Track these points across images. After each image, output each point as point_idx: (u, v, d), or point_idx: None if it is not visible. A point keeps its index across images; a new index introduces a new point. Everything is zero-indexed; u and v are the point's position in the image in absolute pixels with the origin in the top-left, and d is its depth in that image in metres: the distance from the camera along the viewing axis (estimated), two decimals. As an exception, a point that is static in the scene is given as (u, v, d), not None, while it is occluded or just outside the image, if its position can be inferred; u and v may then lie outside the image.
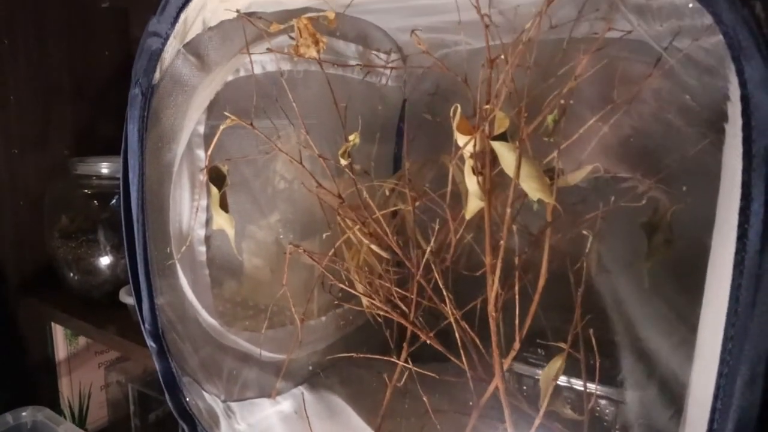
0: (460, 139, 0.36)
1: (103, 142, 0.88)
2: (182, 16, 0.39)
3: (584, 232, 0.38)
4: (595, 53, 0.40)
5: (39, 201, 0.80)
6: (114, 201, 0.75)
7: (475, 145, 0.35)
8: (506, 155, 0.32)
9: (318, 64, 0.42)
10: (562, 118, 0.38)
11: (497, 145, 0.33)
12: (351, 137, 0.40)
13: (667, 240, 0.46)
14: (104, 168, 0.74)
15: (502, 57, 0.41)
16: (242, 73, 0.47)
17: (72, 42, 0.86)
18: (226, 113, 0.39)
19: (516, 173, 0.32)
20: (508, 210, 0.34)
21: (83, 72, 0.88)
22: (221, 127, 0.39)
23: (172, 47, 0.40)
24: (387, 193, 0.50)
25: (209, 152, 0.40)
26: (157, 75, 0.40)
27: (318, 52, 0.40)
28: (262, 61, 0.48)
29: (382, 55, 0.60)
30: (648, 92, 0.43)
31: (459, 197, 0.46)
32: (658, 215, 0.46)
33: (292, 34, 0.43)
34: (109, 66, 0.91)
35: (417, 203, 0.48)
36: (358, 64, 0.50)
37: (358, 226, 0.48)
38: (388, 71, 0.60)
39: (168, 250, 0.43)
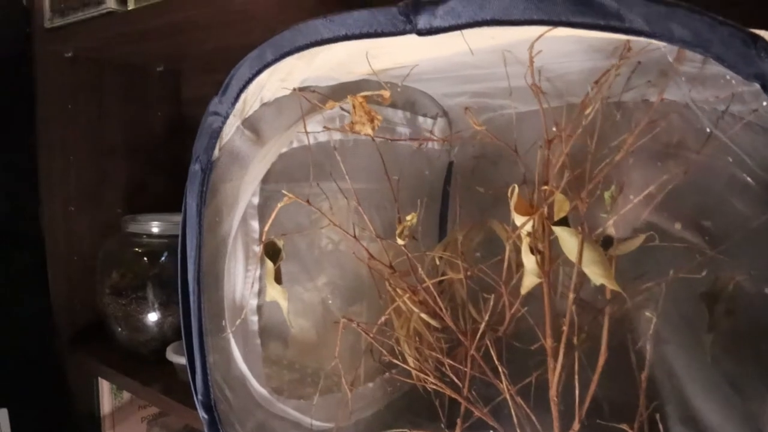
0: (518, 219, 0.36)
1: (154, 199, 0.91)
2: (242, 97, 0.40)
3: (647, 314, 0.37)
4: (646, 118, 0.40)
5: (92, 257, 0.82)
6: (163, 258, 0.76)
7: (533, 226, 0.35)
8: (568, 240, 0.32)
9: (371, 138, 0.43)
10: (620, 194, 0.38)
11: (558, 230, 0.33)
12: (408, 218, 0.41)
13: (730, 311, 0.44)
14: (154, 227, 0.76)
15: (556, 130, 0.41)
16: (295, 145, 0.49)
17: (128, 103, 0.91)
18: (283, 192, 0.39)
19: (578, 259, 0.32)
20: (571, 296, 0.34)
21: (137, 132, 0.92)
22: (278, 206, 0.40)
23: (230, 124, 0.42)
24: (437, 261, 0.50)
25: (266, 228, 0.41)
26: (216, 152, 0.41)
27: (373, 129, 0.41)
28: (314, 133, 0.49)
29: (429, 120, 0.61)
30: (703, 158, 0.42)
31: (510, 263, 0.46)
32: (719, 285, 0.44)
33: (345, 105, 0.44)
34: (161, 126, 0.95)
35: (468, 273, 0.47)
36: (413, 139, 0.51)
37: (408, 295, 0.48)
38: (435, 135, 0.61)
39: (222, 323, 0.44)
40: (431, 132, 0.61)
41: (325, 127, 0.44)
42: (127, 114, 0.91)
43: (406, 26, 0.32)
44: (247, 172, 0.44)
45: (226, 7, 0.58)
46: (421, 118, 0.60)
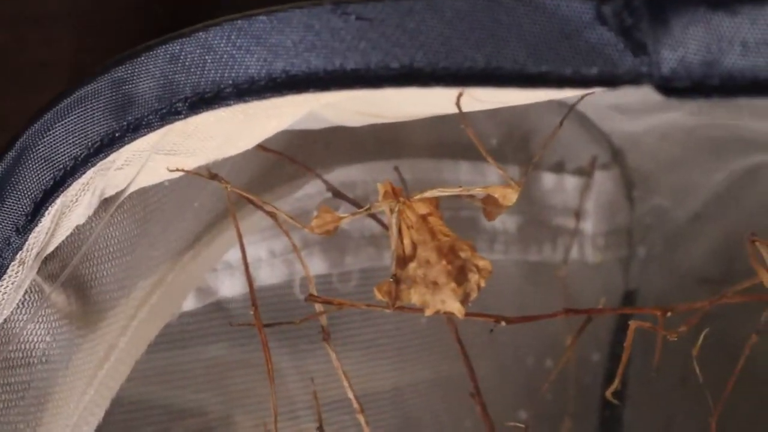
0: None
1: None
2: (50, 211, 0.38)
3: None
4: None
5: None
6: None
7: None
8: None
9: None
10: None
11: None
12: None
13: None
14: None
15: None
16: (193, 305, 0.52)
17: None
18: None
19: None
20: None
21: None
22: None
23: (9, 284, 0.39)
24: None
25: None
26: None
27: (464, 302, 0.38)
28: (253, 262, 0.52)
29: (572, 180, 0.63)
30: None
31: None
32: None
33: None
34: None
35: None
36: (547, 315, 0.48)
37: None
38: (585, 229, 0.63)
39: None
40: (578, 215, 0.62)
41: (315, 299, 0.42)
42: None
43: (624, 60, 0.28)
44: (45, 412, 0.41)
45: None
46: (551, 177, 0.59)
